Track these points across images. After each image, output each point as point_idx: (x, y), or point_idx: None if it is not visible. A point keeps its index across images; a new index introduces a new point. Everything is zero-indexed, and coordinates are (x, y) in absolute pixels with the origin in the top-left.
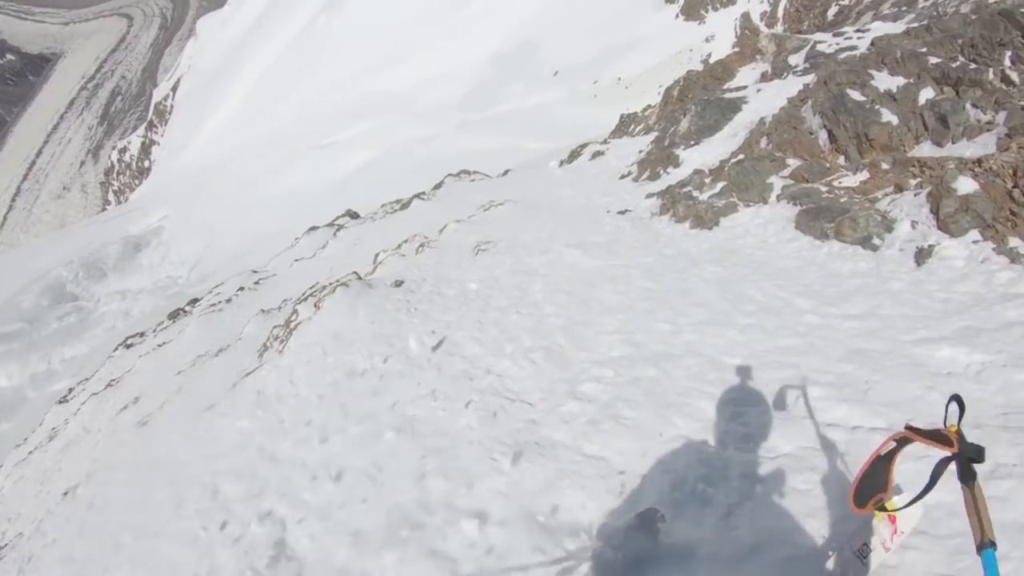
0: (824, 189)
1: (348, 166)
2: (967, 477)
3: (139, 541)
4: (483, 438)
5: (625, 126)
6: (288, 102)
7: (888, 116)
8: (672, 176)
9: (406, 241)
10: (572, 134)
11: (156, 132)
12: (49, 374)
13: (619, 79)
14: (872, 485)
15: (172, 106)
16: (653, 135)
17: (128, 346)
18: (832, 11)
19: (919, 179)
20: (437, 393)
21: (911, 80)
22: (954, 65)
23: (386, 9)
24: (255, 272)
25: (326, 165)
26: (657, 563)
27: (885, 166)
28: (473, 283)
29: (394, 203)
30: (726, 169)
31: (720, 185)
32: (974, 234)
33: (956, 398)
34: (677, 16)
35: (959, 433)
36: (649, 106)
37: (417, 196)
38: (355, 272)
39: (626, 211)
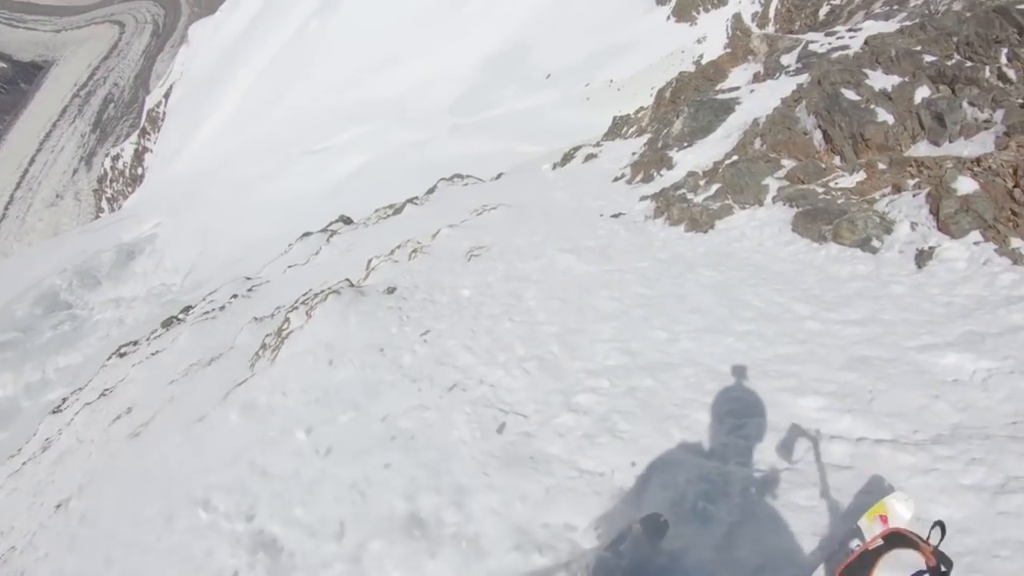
0: (820, 190)
1: (341, 171)
2: None
3: (130, 558)
4: (476, 452)
5: (618, 128)
6: (281, 107)
7: (884, 115)
8: (666, 178)
9: (399, 247)
10: (565, 137)
11: (149, 139)
12: (43, 383)
13: (611, 81)
14: None
15: (165, 113)
16: (646, 137)
17: (121, 355)
18: (823, 11)
19: (917, 179)
20: (429, 404)
21: (906, 79)
22: (950, 63)
23: (378, 13)
24: (248, 279)
25: (319, 170)
26: (660, 571)
27: (882, 166)
28: (466, 290)
29: (387, 208)
30: (720, 171)
31: (714, 187)
32: (975, 235)
33: (940, 524)
34: (668, 18)
35: (936, 550)
36: (642, 108)
37: (410, 201)
38: (347, 279)
39: (620, 214)
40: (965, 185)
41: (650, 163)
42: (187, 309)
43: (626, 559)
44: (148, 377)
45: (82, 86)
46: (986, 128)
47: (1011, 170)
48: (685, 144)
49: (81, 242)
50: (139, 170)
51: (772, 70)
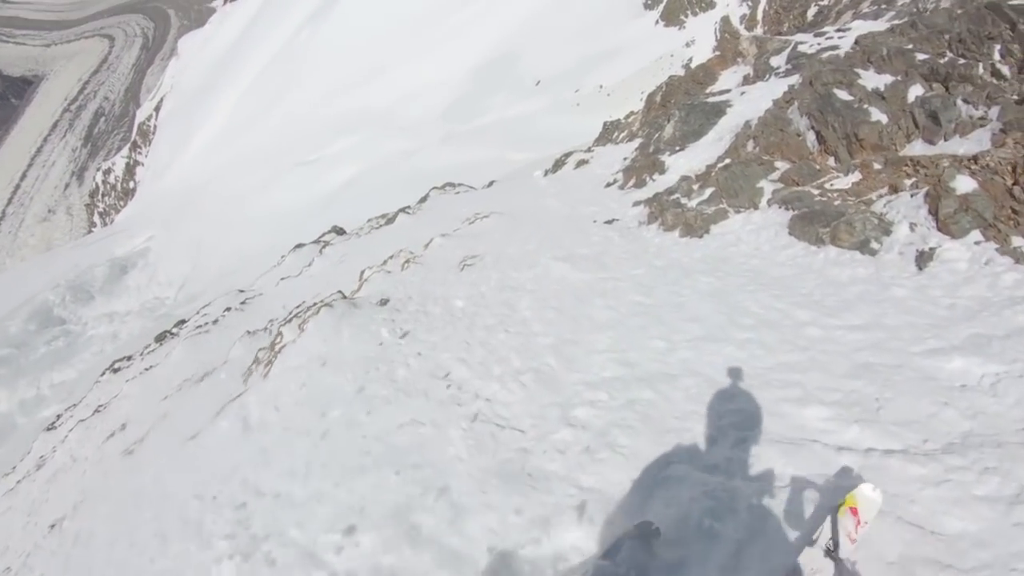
0: (816, 192)
1: (333, 182)
2: None
3: None
4: (473, 469)
5: (609, 133)
6: (272, 118)
7: (877, 115)
8: (659, 183)
9: (392, 257)
10: (556, 143)
11: (140, 153)
12: (38, 400)
13: (601, 87)
14: None
15: (155, 126)
16: (637, 142)
17: (115, 370)
18: (811, 11)
19: (914, 179)
20: (424, 420)
21: (899, 78)
22: (942, 61)
23: (367, 23)
24: (242, 291)
25: (311, 181)
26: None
27: (877, 166)
28: (459, 300)
29: (380, 218)
30: (713, 174)
31: (708, 191)
32: (976, 235)
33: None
34: (657, 22)
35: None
36: (632, 113)
37: (402, 210)
38: (340, 291)
39: (613, 220)
40: (964, 184)
41: (642, 168)
42: (180, 323)
43: (623, 567)
44: (142, 393)
45: (72, 100)
46: (981, 125)
47: (1010, 167)
48: (677, 148)
49: (74, 257)
50: (131, 184)
51: (762, 72)
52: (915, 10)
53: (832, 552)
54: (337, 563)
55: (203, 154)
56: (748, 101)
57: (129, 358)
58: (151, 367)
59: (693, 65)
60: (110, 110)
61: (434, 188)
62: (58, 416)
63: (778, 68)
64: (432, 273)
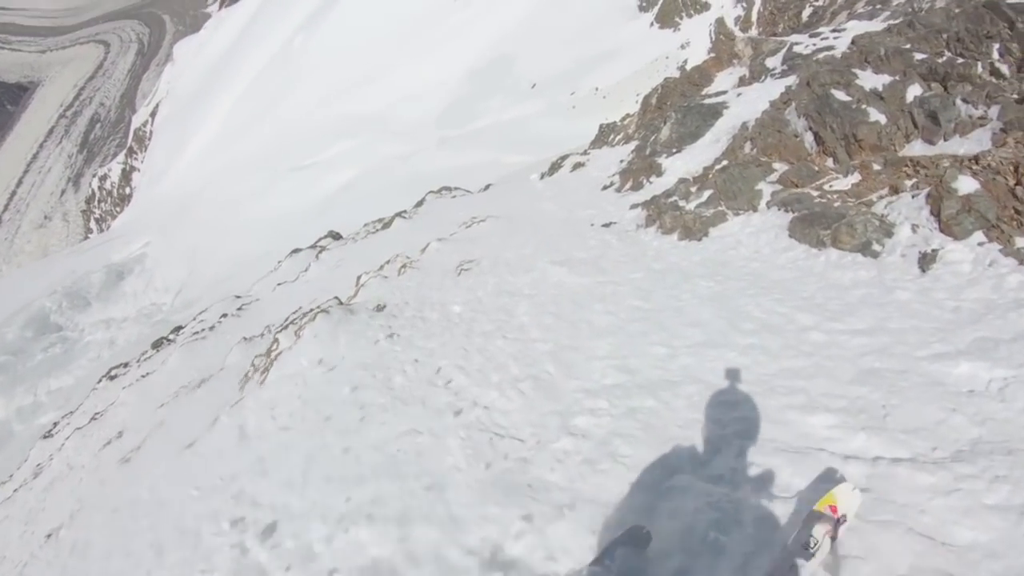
0: (815, 193)
1: (329, 186)
2: None
3: None
4: (471, 480)
5: (605, 136)
6: (267, 123)
7: (876, 115)
8: (656, 185)
9: (388, 262)
10: (552, 146)
11: (136, 158)
12: (35, 407)
13: (596, 89)
14: None
15: (151, 132)
16: (634, 144)
17: (112, 377)
18: (806, 12)
19: (914, 179)
20: (422, 429)
21: (897, 78)
22: (940, 60)
23: (362, 28)
24: (238, 297)
25: (307, 186)
26: None
27: (876, 167)
28: (456, 306)
29: (376, 222)
30: (711, 176)
31: (707, 193)
32: (978, 236)
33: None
34: (652, 24)
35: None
36: (628, 115)
37: (399, 215)
38: (336, 297)
39: (611, 224)
40: (966, 184)
41: (639, 170)
42: (177, 329)
43: (615, 573)
44: (138, 400)
45: (68, 106)
46: (981, 125)
47: (1012, 167)
48: (674, 150)
49: (70, 263)
50: (127, 190)
51: (758, 73)
52: (910, 10)
53: (805, 552)
54: (335, 574)
55: (199, 159)
56: (745, 102)
57: (126, 365)
58: (148, 374)
59: (688, 67)
60: (106, 116)
61: (430, 192)
62: (55, 424)
63: (774, 69)
64: (429, 278)
